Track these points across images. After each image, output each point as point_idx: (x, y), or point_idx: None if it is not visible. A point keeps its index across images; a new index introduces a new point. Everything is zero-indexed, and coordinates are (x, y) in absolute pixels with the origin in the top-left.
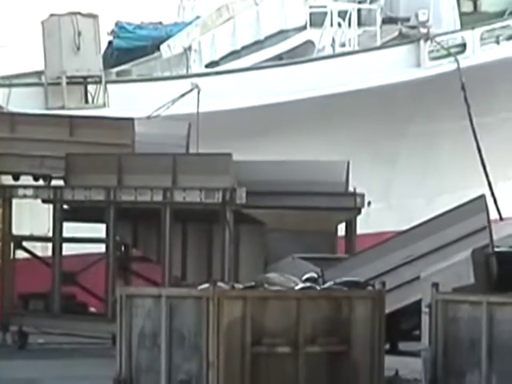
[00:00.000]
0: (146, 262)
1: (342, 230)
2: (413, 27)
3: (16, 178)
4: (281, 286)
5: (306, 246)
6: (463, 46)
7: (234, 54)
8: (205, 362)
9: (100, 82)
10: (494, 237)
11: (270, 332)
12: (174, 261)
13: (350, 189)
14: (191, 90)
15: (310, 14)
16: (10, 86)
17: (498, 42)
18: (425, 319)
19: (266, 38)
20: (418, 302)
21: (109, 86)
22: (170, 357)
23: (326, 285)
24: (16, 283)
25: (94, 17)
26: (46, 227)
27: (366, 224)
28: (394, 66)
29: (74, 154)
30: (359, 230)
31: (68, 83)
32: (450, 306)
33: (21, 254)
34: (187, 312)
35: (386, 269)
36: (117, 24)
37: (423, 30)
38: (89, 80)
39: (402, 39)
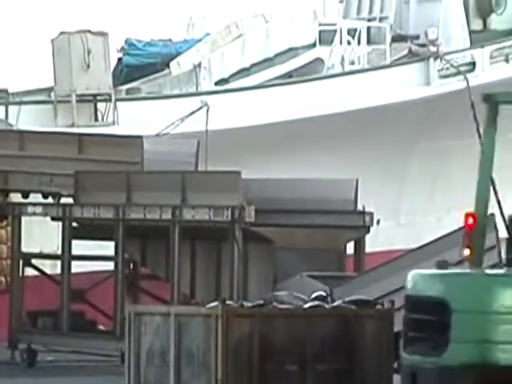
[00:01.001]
0: (155, 280)
1: (350, 248)
2: (422, 45)
3: (25, 195)
4: (289, 304)
5: (315, 264)
6: (473, 64)
7: (243, 72)
8: (213, 379)
9: (110, 100)
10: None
11: (279, 350)
12: (183, 278)
13: (359, 207)
14: (200, 108)
15: (320, 32)
16: (20, 103)
17: (507, 61)
18: None
19: (276, 56)
20: None
21: (118, 104)
22: (179, 374)
23: (335, 303)
24: (25, 300)
25: (103, 35)
26: (55, 245)
27: (375, 242)
28: (403, 84)
29: (83, 172)
30: (368, 248)
31: (78, 101)
32: None
33: (30, 272)
34: (196, 330)
35: (395, 287)
36: (126, 41)
37: (433, 49)
38: (98, 98)
39: (412, 57)
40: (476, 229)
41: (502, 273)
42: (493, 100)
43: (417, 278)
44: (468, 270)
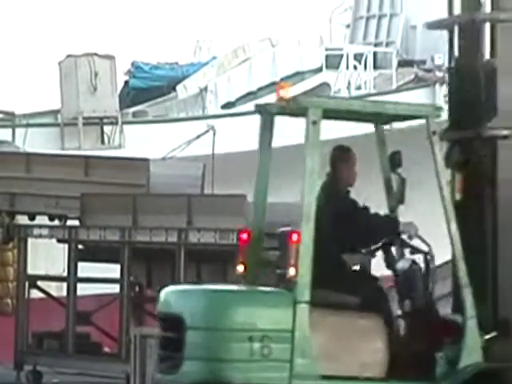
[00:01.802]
0: None
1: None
2: (429, 70)
3: (32, 217)
4: None
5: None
6: None
7: (250, 95)
8: None
9: (116, 123)
10: None
11: None
12: None
13: None
14: (207, 132)
15: (326, 56)
16: (27, 126)
17: None
18: None
19: (282, 80)
20: None
21: (125, 127)
22: None
23: None
24: (30, 322)
25: (110, 58)
26: (60, 267)
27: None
28: None
29: (89, 194)
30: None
31: (84, 124)
32: None
33: (35, 294)
34: None
35: None
36: (133, 64)
37: (439, 74)
38: (105, 121)
39: (418, 82)
40: (250, 244)
41: (232, 289)
42: (266, 111)
43: (166, 294)
44: (202, 286)
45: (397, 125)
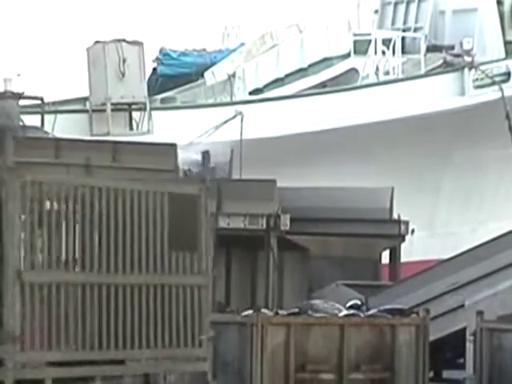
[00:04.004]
0: None
1: (386, 257)
2: (457, 55)
3: None
4: (324, 313)
5: (350, 272)
6: (508, 74)
7: (277, 82)
8: None
9: (144, 109)
10: None
11: (314, 358)
12: (218, 286)
13: (394, 216)
14: (235, 117)
15: (354, 42)
16: (56, 112)
17: None
18: (469, 347)
19: (310, 66)
20: (463, 330)
21: (153, 113)
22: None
23: (370, 312)
24: None
25: (138, 44)
26: None
27: (409, 252)
28: (438, 95)
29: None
30: (403, 258)
31: (113, 110)
32: (495, 334)
33: None
34: (231, 338)
35: (430, 296)
36: (161, 51)
37: (468, 59)
38: (133, 107)
39: (446, 67)
40: None
41: None
42: None
43: None
44: None
45: None
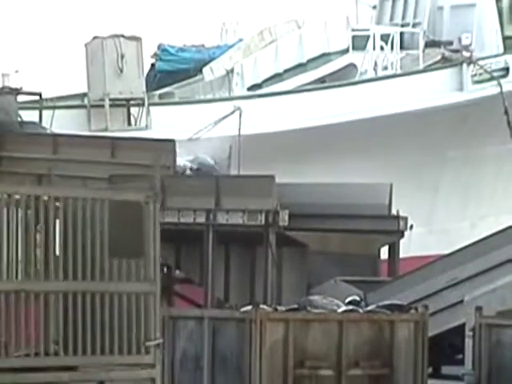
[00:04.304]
0: (189, 284)
1: (384, 253)
2: (456, 51)
3: None
4: (323, 309)
5: (349, 268)
6: (506, 69)
7: (276, 77)
8: (247, 383)
9: (143, 105)
10: None
11: (313, 355)
12: (217, 283)
13: (393, 212)
14: (233, 113)
15: (353, 38)
16: (54, 107)
17: None
18: (468, 343)
19: (309, 61)
20: (462, 326)
21: (151, 109)
22: (213, 378)
23: (369, 308)
24: None
25: (137, 39)
26: None
27: (408, 248)
28: (436, 90)
29: (118, 176)
30: (401, 254)
31: (111, 105)
32: (494, 330)
33: None
34: (230, 334)
35: (429, 292)
36: (159, 47)
37: (466, 54)
38: (132, 102)
39: (445, 63)
40: None
41: None
42: None
43: None
44: None
45: None
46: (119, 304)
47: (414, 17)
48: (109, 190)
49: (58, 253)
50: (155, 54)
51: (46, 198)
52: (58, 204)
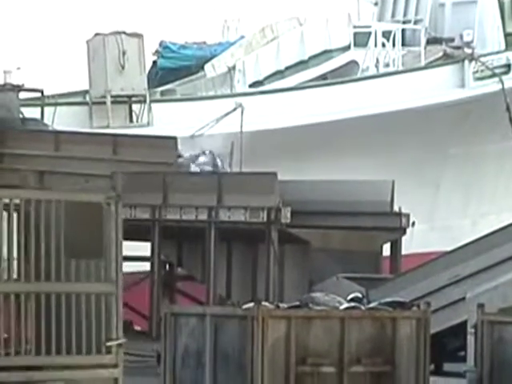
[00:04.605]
0: (191, 281)
1: (386, 250)
2: (457, 47)
3: None
4: (325, 306)
5: (351, 265)
6: (508, 66)
7: (278, 74)
8: (249, 381)
9: (144, 101)
10: None
11: (315, 352)
12: (219, 280)
13: (395, 209)
14: (235, 110)
15: (354, 34)
16: (56, 104)
17: None
18: (470, 340)
19: (310, 58)
20: (464, 323)
21: (153, 105)
22: (215, 375)
23: (371, 305)
24: None
25: (138, 36)
26: None
27: (409, 244)
28: (438, 87)
29: (120, 173)
30: (403, 251)
31: (113, 102)
32: (496, 327)
33: None
34: (232, 331)
35: (431, 289)
36: (161, 44)
37: (468, 51)
38: (133, 99)
39: (447, 59)
40: None
41: None
42: None
43: None
44: None
45: None
46: (77, 304)
47: (416, 14)
48: (68, 192)
49: (6, 254)
50: (157, 51)
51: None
52: (7, 202)
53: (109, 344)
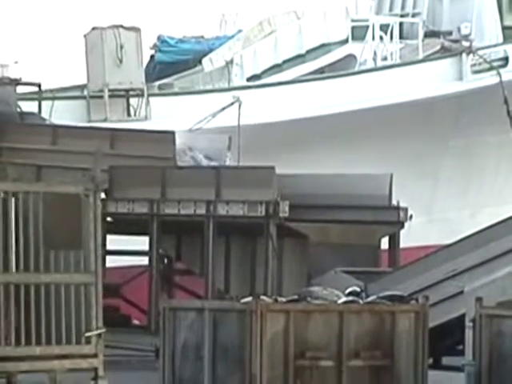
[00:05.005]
0: (189, 275)
1: (385, 243)
2: (455, 41)
3: None
4: (324, 300)
5: (349, 259)
6: (506, 59)
7: (275, 68)
8: (248, 375)
9: (142, 95)
10: None
11: (313, 345)
12: (217, 274)
13: (394, 202)
14: (232, 104)
15: (352, 28)
16: (53, 98)
17: None
18: (469, 334)
19: (308, 52)
20: (462, 317)
21: (151, 99)
22: (214, 370)
23: (369, 299)
24: None
25: (136, 30)
26: None
27: (407, 237)
28: (436, 80)
29: (118, 167)
30: (401, 244)
31: (110, 96)
32: (495, 320)
33: None
34: (230, 325)
35: (429, 283)
36: (159, 38)
37: (465, 44)
38: (131, 93)
39: (444, 52)
40: None
41: None
42: None
43: None
44: None
45: None
46: (57, 295)
47: (414, 7)
48: (46, 183)
49: None
50: (155, 46)
51: None
52: None
53: (88, 334)
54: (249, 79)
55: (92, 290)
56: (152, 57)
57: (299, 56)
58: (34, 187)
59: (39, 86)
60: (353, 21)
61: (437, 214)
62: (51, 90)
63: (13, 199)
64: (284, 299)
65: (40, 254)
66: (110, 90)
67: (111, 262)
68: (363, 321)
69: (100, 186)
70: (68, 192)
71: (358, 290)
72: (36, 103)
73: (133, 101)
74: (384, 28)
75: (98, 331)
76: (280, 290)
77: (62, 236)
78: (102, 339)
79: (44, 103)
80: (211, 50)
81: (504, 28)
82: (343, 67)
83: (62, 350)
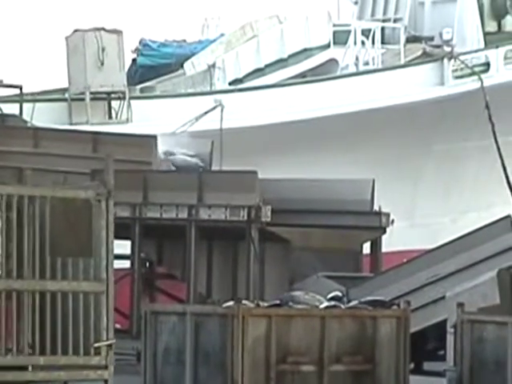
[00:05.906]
0: (171, 279)
1: (366, 248)
2: (437, 46)
3: None
4: (306, 305)
5: (331, 264)
6: (487, 64)
7: (257, 72)
8: (229, 379)
9: (124, 98)
10: None
11: (295, 350)
12: (199, 278)
13: (375, 207)
14: (215, 107)
15: (334, 33)
16: (35, 101)
17: None
18: (450, 339)
19: (290, 56)
20: (444, 322)
21: (132, 102)
22: (195, 374)
23: (351, 304)
24: None
25: (117, 32)
26: None
27: (389, 242)
28: (417, 85)
29: (100, 170)
30: (382, 249)
31: (92, 99)
32: (476, 326)
33: None
34: (212, 329)
35: (411, 288)
36: (141, 41)
37: (447, 49)
38: (112, 96)
39: (426, 58)
40: None
41: None
42: None
43: None
44: None
45: None
46: (64, 303)
47: (396, 12)
48: (56, 188)
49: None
50: (136, 49)
51: None
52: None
53: (97, 345)
54: (231, 83)
55: (102, 299)
56: (134, 60)
57: (281, 60)
58: (42, 191)
59: (20, 88)
60: (335, 25)
61: (418, 219)
62: (32, 93)
63: (26, 202)
64: (266, 304)
65: (45, 260)
66: (91, 93)
67: None
68: (345, 326)
69: (112, 192)
70: (78, 197)
71: (339, 294)
72: (17, 105)
73: (114, 104)
74: (366, 33)
75: (108, 342)
76: (262, 294)
77: (71, 243)
78: (112, 350)
79: (25, 105)
80: (193, 54)
81: (485, 33)
82: (325, 72)
83: (68, 360)
